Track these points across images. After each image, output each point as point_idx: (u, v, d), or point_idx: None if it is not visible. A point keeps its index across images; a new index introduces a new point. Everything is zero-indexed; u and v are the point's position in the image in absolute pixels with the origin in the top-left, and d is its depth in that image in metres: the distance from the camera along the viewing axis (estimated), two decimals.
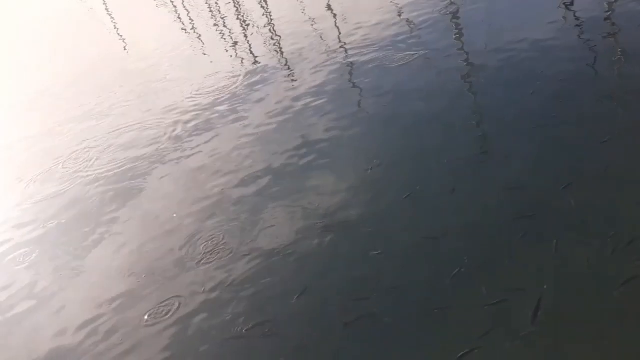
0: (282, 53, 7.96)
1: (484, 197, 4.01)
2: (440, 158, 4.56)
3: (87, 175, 6.26)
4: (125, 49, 10.97)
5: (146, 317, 3.93)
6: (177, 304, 3.95)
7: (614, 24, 5.77)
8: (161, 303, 4.01)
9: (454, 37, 6.61)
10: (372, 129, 5.38)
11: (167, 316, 3.88)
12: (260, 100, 6.71)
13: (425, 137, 4.92)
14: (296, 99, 6.41)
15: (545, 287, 3.17)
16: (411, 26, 7.15)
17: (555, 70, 5.17)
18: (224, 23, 10.43)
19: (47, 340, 4.03)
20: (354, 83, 6.41)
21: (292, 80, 6.95)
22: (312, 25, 8.52)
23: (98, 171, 6.28)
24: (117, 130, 7.20)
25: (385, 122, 5.39)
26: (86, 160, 6.63)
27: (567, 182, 3.85)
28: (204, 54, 9.18)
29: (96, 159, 6.58)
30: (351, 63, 6.82)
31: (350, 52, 7.12)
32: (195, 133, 6.43)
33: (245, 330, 3.54)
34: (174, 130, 6.66)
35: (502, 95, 5.12)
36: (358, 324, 3.36)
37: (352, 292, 3.59)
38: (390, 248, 3.84)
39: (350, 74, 6.60)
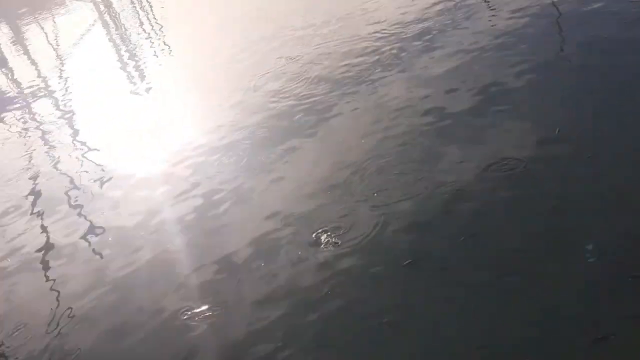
0: None
1: None
2: None
3: (291, 89, 6.82)
4: None
5: (313, 235, 4.21)
6: (343, 228, 4.16)
7: None
8: (331, 223, 4.26)
9: None
10: (574, 81, 4.99)
11: (332, 236, 4.12)
12: (457, 36, 6.59)
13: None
14: (495, 37, 6.17)
15: None
16: None
17: None
18: None
19: (239, 236, 4.53)
20: (560, 29, 5.93)
21: (494, 17, 6.67)
22: None
23: (302, 85, 6.80)
24: (319, 46, 7.75)
25: (590, 76, 4.94)
26: (296, 74, 7.20)
27: None
28: None
29: (302, 71, 7.16)
30: (560, 8, 6.28)
31: None
32: (391, 62, 6.56)
33: (406, 264, 3.65)
34: (371, 56, 6.88)
35: None
36: (519, 277, 3.27)
37: (518, 245, 3.49)
38: (578, 207, 3.62)
39: (558, 19, 6.07)
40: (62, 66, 12.16)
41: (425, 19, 7.34)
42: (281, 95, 6.72)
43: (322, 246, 4.04)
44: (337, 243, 4.02)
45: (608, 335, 2.79)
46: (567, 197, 3.73)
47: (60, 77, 11.32)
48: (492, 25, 6.46)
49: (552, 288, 3.15)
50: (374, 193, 4.41)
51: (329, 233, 4.15)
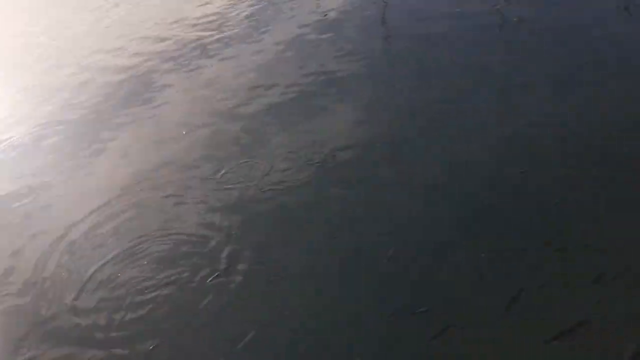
0: None
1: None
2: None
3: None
4: None
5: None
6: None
7: None
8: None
9: None
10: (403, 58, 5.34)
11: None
12: (281, 19, 6.62)
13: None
14: (320, 20, 6.34)
15: None
16: None
17: None
18: None
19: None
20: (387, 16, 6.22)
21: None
22: None
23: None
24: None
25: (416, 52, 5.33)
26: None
27: None
28: None
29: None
30: None
31: None
32: (212, 49, 6.36)
33: None
34: (189, 44, 6.64)
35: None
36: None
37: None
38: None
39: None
40: None
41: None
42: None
43: None
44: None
45: None
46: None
47: None
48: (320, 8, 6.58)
49: None
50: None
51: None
